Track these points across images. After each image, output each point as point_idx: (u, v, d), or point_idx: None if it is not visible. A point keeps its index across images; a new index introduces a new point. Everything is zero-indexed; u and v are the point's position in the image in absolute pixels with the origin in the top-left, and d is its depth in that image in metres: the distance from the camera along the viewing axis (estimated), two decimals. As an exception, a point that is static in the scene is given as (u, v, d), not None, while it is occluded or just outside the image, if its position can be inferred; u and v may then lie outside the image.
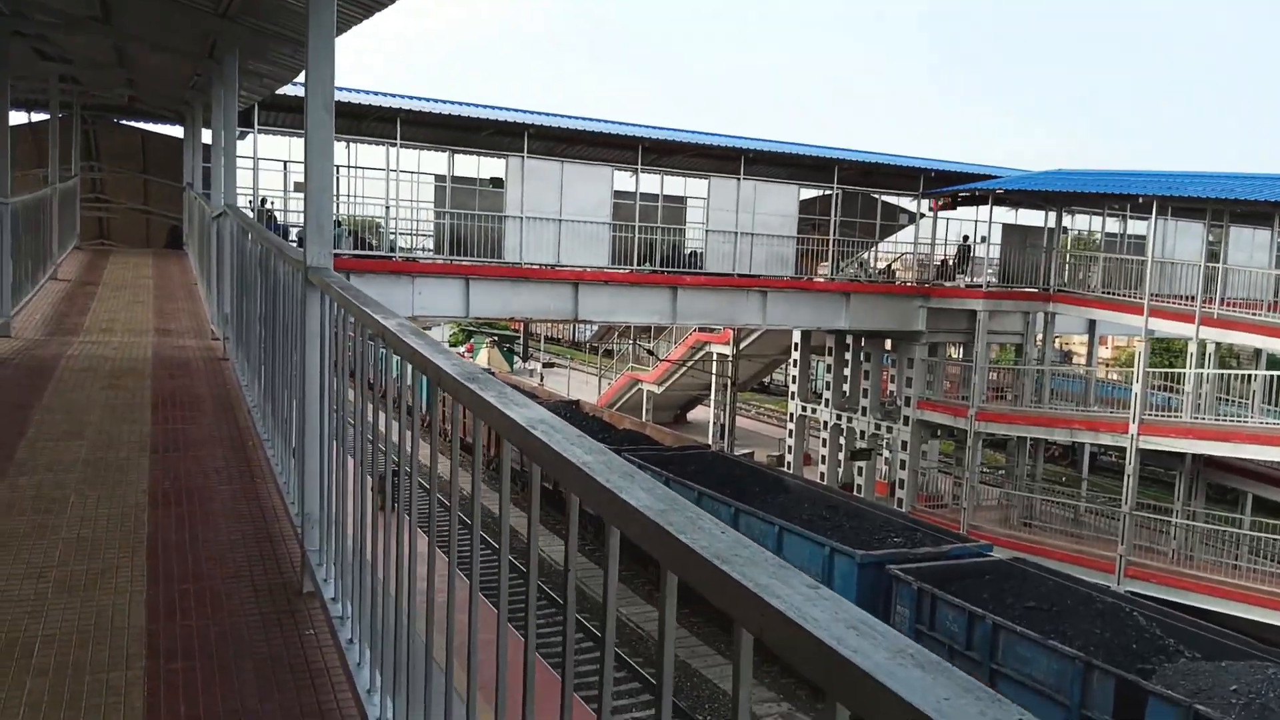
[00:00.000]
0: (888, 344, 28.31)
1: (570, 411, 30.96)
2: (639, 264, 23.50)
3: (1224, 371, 25.42)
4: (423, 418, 2.71)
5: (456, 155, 23.28)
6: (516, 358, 62.18)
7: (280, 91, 21.24)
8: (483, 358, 58.59)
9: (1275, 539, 21.61)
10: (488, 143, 24.46)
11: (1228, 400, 25.41)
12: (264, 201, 22.35)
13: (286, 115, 22.87)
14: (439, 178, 22.78)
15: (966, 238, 27.59)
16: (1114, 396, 29.75)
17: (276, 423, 4.60)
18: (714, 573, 1.13)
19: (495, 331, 61.33)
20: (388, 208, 22.07)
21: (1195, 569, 20.86)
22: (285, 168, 22.54)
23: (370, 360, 2.85)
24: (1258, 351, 26.11)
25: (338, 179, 23.36)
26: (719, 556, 1.17)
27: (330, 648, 3.11)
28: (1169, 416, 22.28)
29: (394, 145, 21.89)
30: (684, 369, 38.89)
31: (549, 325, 68.87)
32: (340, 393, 3.33)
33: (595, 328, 61.31)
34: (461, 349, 65.84)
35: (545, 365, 50.42)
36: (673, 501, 1.39)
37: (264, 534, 4.17)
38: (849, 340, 28.68)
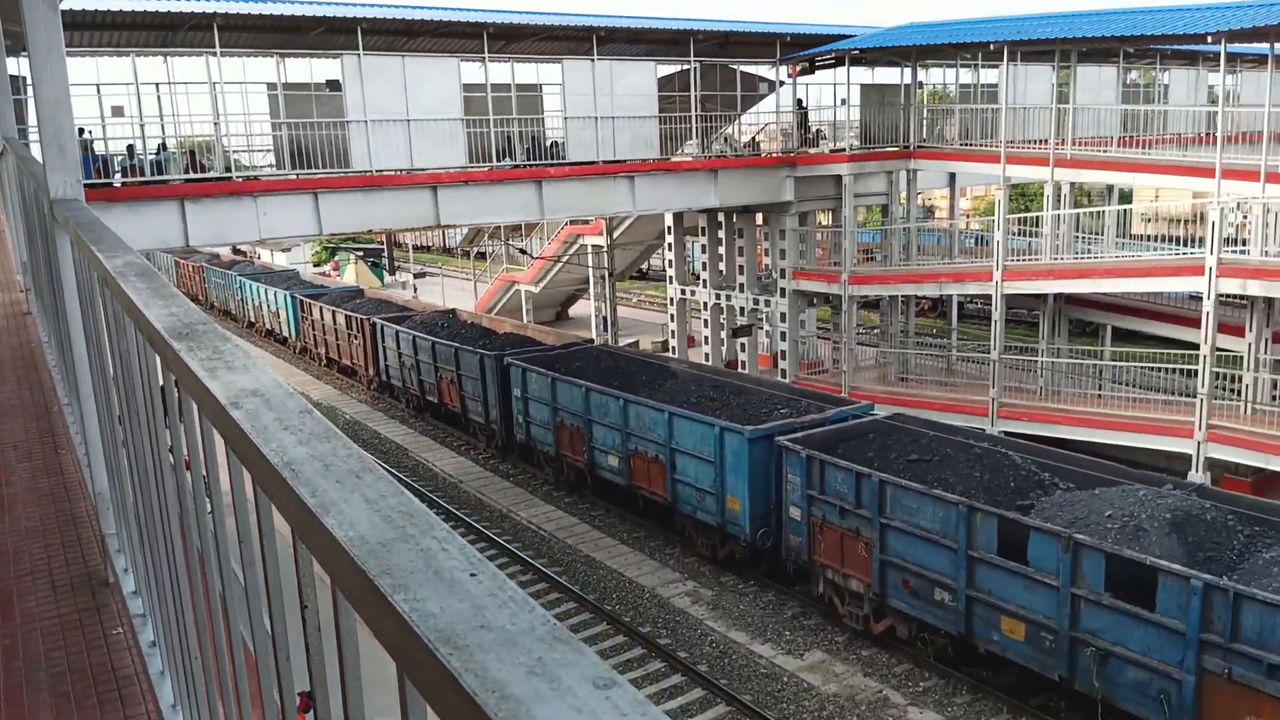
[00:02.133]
0: (759, 218, 28.31)
1: (449, 321, 30.18)
2: (499, 160, 22.56)
3: (1078, 211, 26.41)
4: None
5: (286, 60, 21.58)
6: (386, 271, 60.16)
7: (85, 6, 19.15)
8: (350, 274, 56.44)
9: (1132, 365, 22.98)
10: (319, 43, 22.72)
11: (1083, 238, 26.51)
12: (80, 131, 20.33)
13: (97, 34, 20.68)
14: (270, 86, 21.13)
15: (800, 101, 27.47)
16: (977, 246, 30.74)
17: (69, 383, 4.02)
18: (440, 674, 0.80)
19: (360, 246, 59.00)
20: (216, 124, 20.39)
21: (1062, 403, 22.03)
22: (98, 91, 20.48)
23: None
24: (1109, 188, 27.19)
25: (157, 98, 21.43)
26: (448, 640, 0.88)
27: (137, 650, 2.70)
28: (1030, 260, 23.08)
29: (215, 55, 20.09)
30: (559, 265, 38.27)
31: (415, 233, 66.66)
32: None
33: (463, 231, 59.66)
34: (326, 267, 63.29)
35: (417, 275, 48.90)
36: (407, 523, 1.06)
37: (67, 516, 3.66)
38: (721, 218, 28.54)
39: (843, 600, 15.32)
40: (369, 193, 21.06)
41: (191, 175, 20.29)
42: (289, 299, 38.73)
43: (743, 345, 28.51)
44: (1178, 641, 10.61)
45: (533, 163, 22.86)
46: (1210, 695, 10.41)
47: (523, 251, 37.22)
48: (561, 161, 23.17)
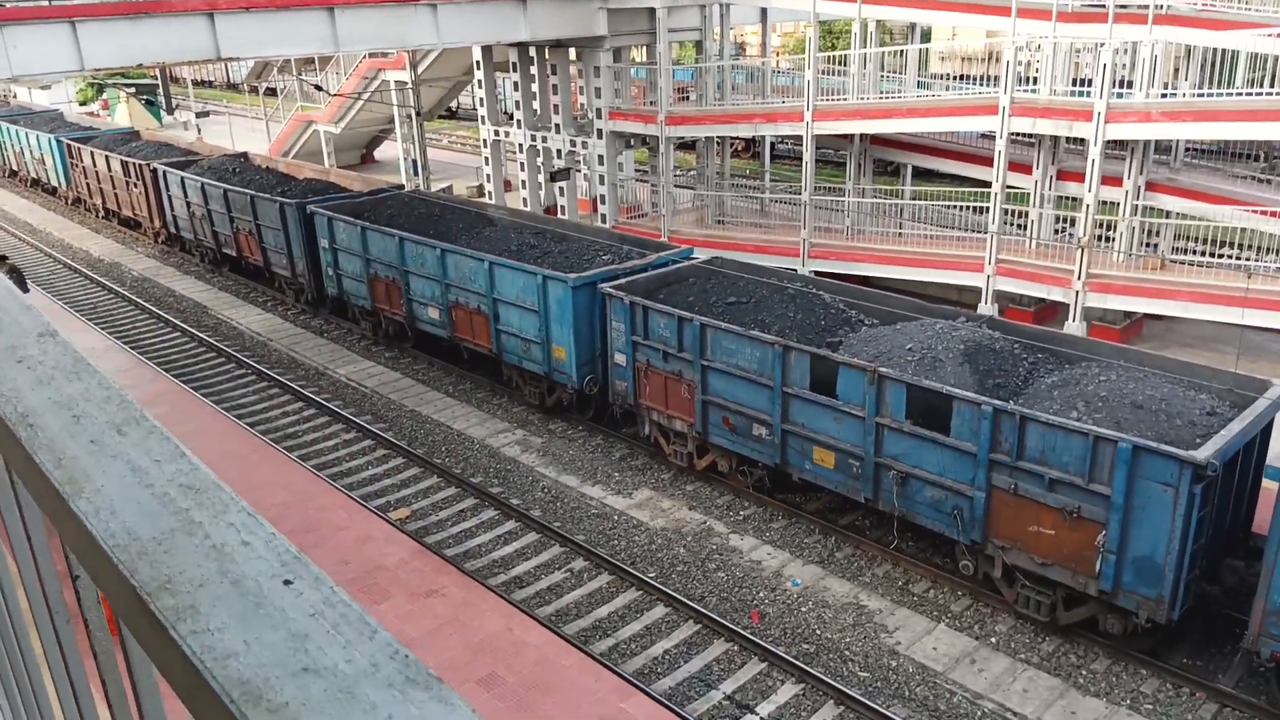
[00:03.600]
0: (573, 54, 27.23)
1: (241, 165, 27.83)
2: (285, -14, 20.38)
3: (882, 50, 26.84)
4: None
5: None
6: (164, 110, 54.53)
7: None
8: (121, 114, 50.76)
9: (930, 205, 24.17)
10: None
11: (887, 78, 27.13)
12: None
13: None
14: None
15: None
16: (788, 85, 30.92)
17: None
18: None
19: (131, 81, 52.92)
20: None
21: (867, 242, 23.01)
22: None
23: None
24: (912, 26, 27.70)
25: None
26: (257, 697, 0.64)
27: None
28: (838, 100, 23.44)
29: None
30: (360, 103, 35.78)
31: (194, 67, 60.42)
32: None
33: (249, 65, 54.51)
34: (95, 106, 56.66)
35: (200, 115, 44.49)
36: (192, 503, 0.82)
37: None
38: (533, 53, 27.27)
39: (668, 440, 15.82)
40: (135, 21, 18.64)
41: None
42: (54, 143, 34.52)
43: (561, 189, 27.94)
44: (970, 462, 11.60)
45: (325, -11, 20.80)
46: (998, 509, 11.52)
47: (318, 88, 34.41)
48: (357, -12, 21.20)
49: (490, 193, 29.95)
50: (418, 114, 31.88)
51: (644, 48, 28.62)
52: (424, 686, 0.70)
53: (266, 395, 19.40)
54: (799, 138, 23.44)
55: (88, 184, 33.14)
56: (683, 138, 26.77)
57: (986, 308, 20.07)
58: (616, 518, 14.72)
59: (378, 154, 44.05)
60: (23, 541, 1.24)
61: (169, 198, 28.07)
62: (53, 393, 0.98)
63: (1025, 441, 11.03)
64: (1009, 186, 20.82)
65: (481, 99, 29.37)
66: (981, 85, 23.13)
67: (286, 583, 0.81)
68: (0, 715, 1.52)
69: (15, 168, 40.33)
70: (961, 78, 28.62)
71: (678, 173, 31.50)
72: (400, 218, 21.26)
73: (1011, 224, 22.05)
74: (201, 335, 22.53)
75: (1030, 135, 21.30)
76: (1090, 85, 19.84)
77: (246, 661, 0.69)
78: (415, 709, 0.67)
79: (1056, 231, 22.02)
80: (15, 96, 54.44)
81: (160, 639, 0.74)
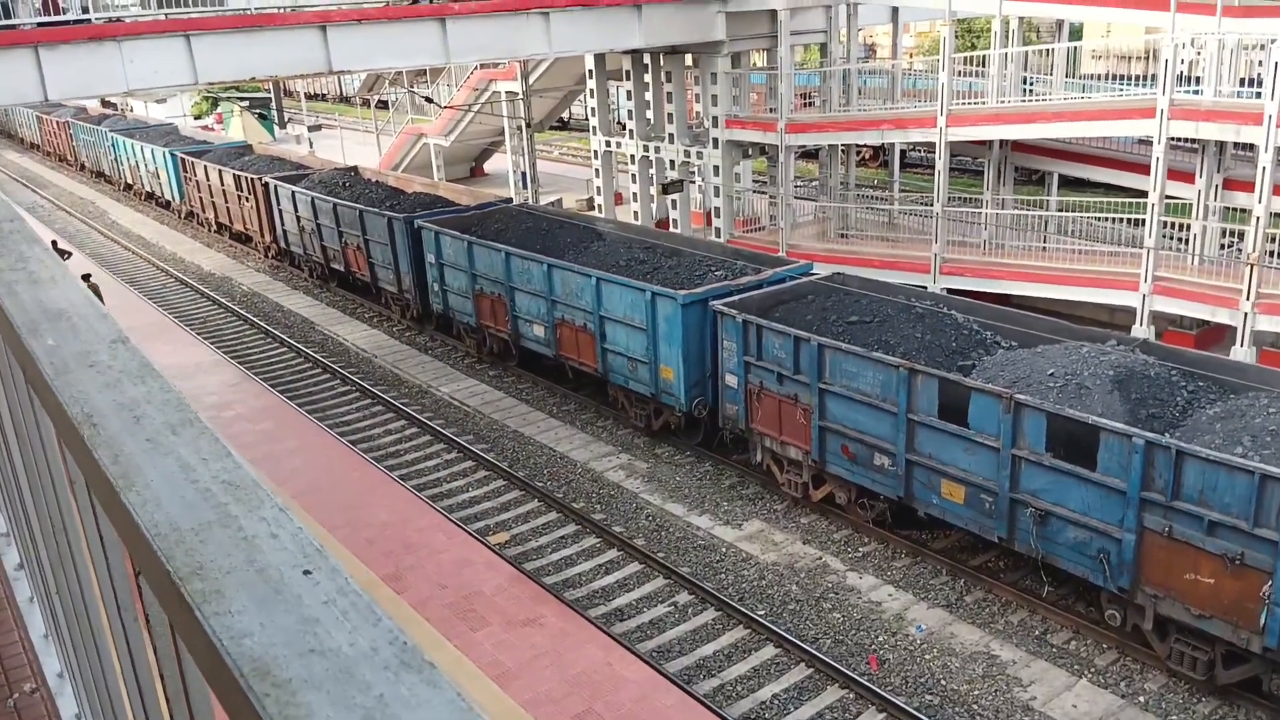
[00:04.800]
0: (689, 60, 27.47)
1: (351, 179, 29.09)
2: (396, -4, 21.31)
3: (1025, 49, 26.18)
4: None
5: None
6: (276, 124, 57.50)
7: None
8: (236, 128, 53.79)
9: (1078, 216, 23.35)
10: None
11: (1030, 79, 26.42)
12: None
13: None
14: (125, -90, 19.41)
15: None
16: (921, 89, 30.44)
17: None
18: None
19: (246, 95, 56.08)
20: (65, -44, 18.74)
21: (1006, 257, 22.37)
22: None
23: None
24: (1059, 23, 26.92)
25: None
26: (265, 672, 0.71)
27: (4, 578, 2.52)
28: (976, 104, 22.94)
29: None
30: (471, 115, 36.93)
31: (307, 80, 63.58)
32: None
33: (361, 77, 57.00)
34: (209, 120, 60.22)
35: (312, 128, 46.76)
36: (231, 499, 0.89)
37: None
38: (647, 60, 27.63)
39: (781, 469, 15.69)
40: (249, 34, 19.75)
41: (44, 18, 18.77)
42: (169, 157, 36.85)
43: (674, 202, 28.16)
44: (1118, 500, 11.10)
45: (436, -1, 21.63)
46: (1150, 554, 10.98)
47: (428, 100, 35.73)
48: (468, -3, 21.96)
49: (600, 206, 30.43)
50: (528, 125, 32.71)
51: (764, 52, 28.65)
52: (416, 670, 0.76)
53: (370, 413, 20.13)
54: (932, 145, 23.02)
55: (200, 198, 35.20)
56: (804, 146, 26.64)
57: (1141, 330, 19.21)
58: (724, 550, 14.66)
59: (487, 167, 45.29)
60: (94, 533, 1.37)
61: (279, 212, 29.52)
62: (118, 395, 1.09)
63: (1182, 479, 10.50)
64: (1168, 197, 19.93)
65: (593, 109, 29.90)
66: (1137, 86, 22.24)
67: (306, 573, 0.88)
68: (75, 703, 1.65)
69: (130, 181, 43.13)
70: (1116, 78, 27.61)
71: (798, 183, 31.34)
72: (507, 232, 21.79)
73: (1171, 238, 21.09)
74: (308, 351, 23.56)
75: (1192, 140, 20.38)
76: (1260, 85, 18.87)
77: (259, 640, 0.77)
78: (405, 689, 0.73)
79: (1222, 247, 20.93)
80: (131, 110, 58.33)
81: (187, 618, 0.83)
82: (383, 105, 52.42)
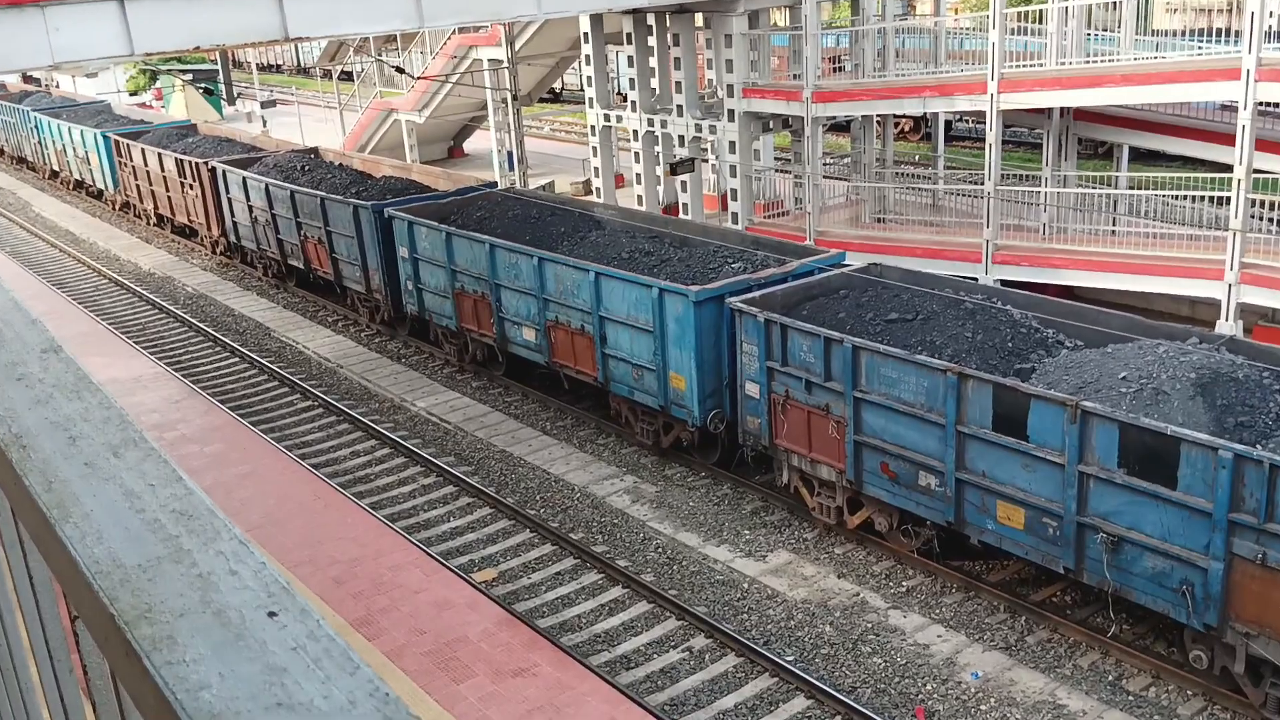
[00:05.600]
0: (699, 19, 27.51)
1: (311, 162, 29.21)
2: (361, -49, 21.39)
3: (1088, 1, 26.20)
4: None
5: None
6: (224, 101, 57.71)
7: None
8: (177, 105, 54.06)
9: (1152, 195, 23.34)
10: None
11: (1095, 37, 26.43)
12: None
13: None
14: None
15: None
16: (968, 50, 30.45)
17: None
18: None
19: (189, 68, 56.26)
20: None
21: (1070, 242, 22.37)
22: None
23: None
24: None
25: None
26: None
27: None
28: (1032, 66, 22.95)
29: None
30: (449, 87, 37.03)
31: (259, 50, 63.80)
32: None
33: (321, 46, 57.14)
34: (147, 96, 60.47)
35: (265, 105, 46.96)
36: (182, 530, 0.90)
37: None
38: (651, 20, 27.69)
39: (811, 491, 15.68)
40: (192, -2, 19.85)
41: (-48, -20, 18.84)
42: (100, 140, 37.04)
43: (684, 184, 28.18)
44: (1203, 523, 11.07)
45: (406, -46, 21.69)
46: (1241, 584, 10.95)
47: (399, 70, 35.83)
48: (443, -49, 22.04)
49: (599, 189, 30.48)
50: (514, 98, 32.81)
51: (786, 9, 28.72)
52: (398, 724, 0.76)
53: (335, 432, 20.18)
54: (981, 114, 23.05)
55: (138, 186, 35.36)
56: (834, 118, 26.67)
57: (1227, 325, 19.19)
58: (747, 586, 14.66)
59: (468, 146, 45.41)
60: (22, 571, 1.37)
61: (229, 201, 29.65)
62: (50, 412, 1.09)
63: (1277, 497, 10.48)
64: (1257, 171, 19.92)
65: (590, 78, 29.96)
66: (1220, 43, 22.25)
67: (271, 614, 0.88)
68: None
69: (56, 168, 43.32)
70: (1195, 34, 27.61)
71: (828, 161, 31.37)
72: (492, 221, 21.83)
73: (1261, 218, 21.05)
74: (263, 361, 23.63)
75: (1285, 104, 20.37)
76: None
77: (219, 694, 0.77)
78: None
79: (1322, 227, 20.90)
80: (57, 86, 58.60)
81: (134, 669, 0.83)
82: (347, 77, 52.60)
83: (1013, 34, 24.61)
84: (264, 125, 46.16)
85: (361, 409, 21.10)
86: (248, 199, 28.57)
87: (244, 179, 28.42)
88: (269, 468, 17.29)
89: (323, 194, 25.35)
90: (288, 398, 21.94)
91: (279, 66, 78.16)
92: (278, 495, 16.23)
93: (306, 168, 28.42)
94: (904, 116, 34.40)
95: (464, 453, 19.13)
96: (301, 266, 27.20)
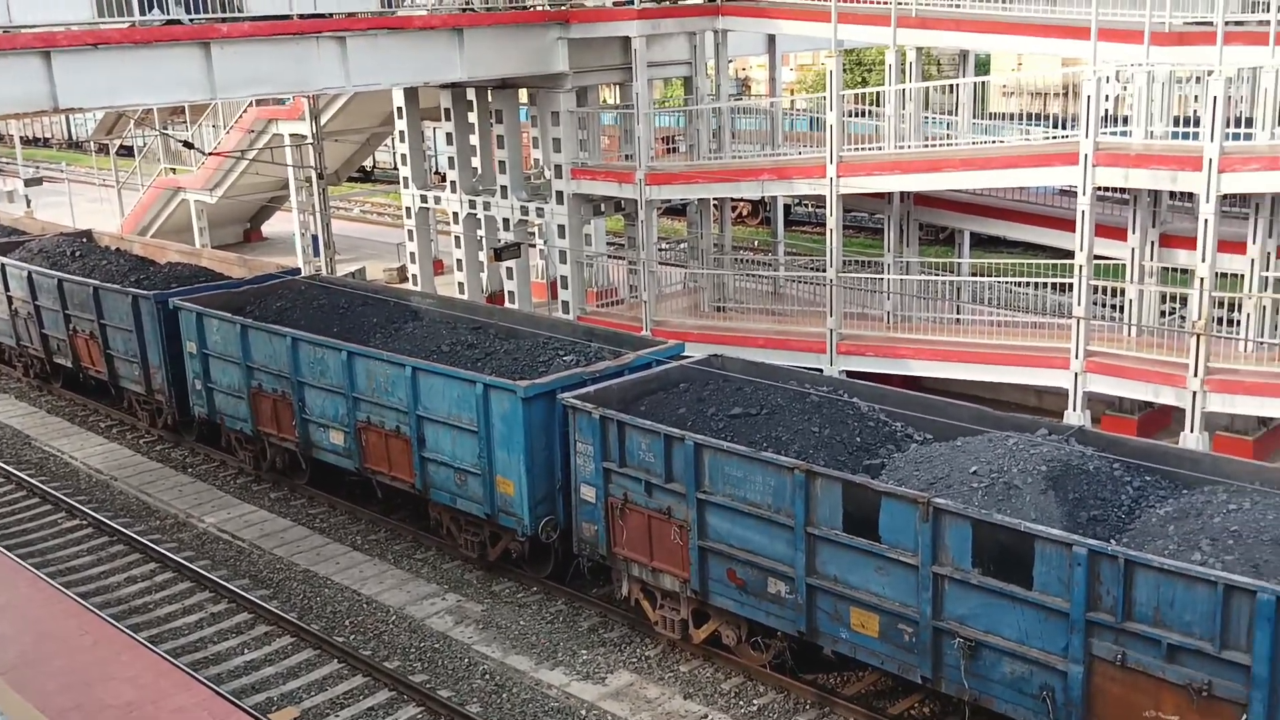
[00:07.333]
0: (524, 95, 27.94)
1: (83, 247, 28.25)
2: (145, 12, 21.03)
3: (926, 85, 27.77)
4: None
5: None
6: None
7: None
8: (-74, 183, 51.44)
9: (994, 281, 24.58)
10: None
11: (933, 120, 27.96)
12: None
13: None
14: None
15: None
16: (805, 131, 31.79)
17: None
18: None
19: (-60, 140, 53.94)
20: None
21: (914, 331, 23.28)
22: None
23: None
24: (964, 54, 28.67)
25: None
26: None
27: None
28: (870, 149, 24.03)
29: None
30: (245, 164, 36.46)
31: (24, 120, 61.64)
32: None
33: (96, 117, 55.56)
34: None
35: (30, 182, 45.26)
36: None
37: None
38: (472, 96, 27.97)
39: (654, 603, 15.63)
40: (-55, 62, 19.11)
41: None
42: None
43: (510, 270, 28.31)
44: (1061, 624, 11.47)
45: (197, 16, 21.46)
46: (1102, 687, 11.32)
47: (188, 145, 35.10)
48: (239, 16, 21.88)
49: (415, 276, 30.31)
50: (320, 176, 32.50)
51: (616, 87, 29.44)
52: None
53: (107, 555, 19.26)
54: (821, 198, 23.94)
55: None
56: (669, 201, 27.35)
57: (1075, 415, 20.20)
58: (584, 713, 14.44)
59: (267, 229, 44.65)
60: None
61: (-16, 291, 28.29)
62: None
63: (1133, 595, 10.95)
64: (1098, 257, 21.19)
65: (404, 156, 29.98)
66: (1057, 128, 23.80)
67: None
68: None
69: None
70: (1031, 118, 29.53)
71: (664, 246, 32.02)
72: (294, 312, 21.46)
73: (1104, 305, 22.39)
74: (20, 475, 22.48)
75: (1123, 190, 21.82)
76: (1197, 124, 20.46)
77: None
78: None
79: (1163, 314, 22.33)
80: None
81: None
82: (126, 152, 51.19)
83: (852, 117, 25.78)
84: (28, 205, 44.34)
85: (139, 527, 20.19)
86: (6, 289, 27.38)
87: (2, 265, 27.24)
88: (26, 599, 16.25)
89: (96, 282, 24.48)
90: (50, 516, 20.85)
91: (47, 140, 75.65)
92: (38, 631, 15.24)
93: (78, 253, 27.50)
94: (741, 200, 35.53)
95: (261, 574, 18.45)
96: (70, 365, 26.10)
